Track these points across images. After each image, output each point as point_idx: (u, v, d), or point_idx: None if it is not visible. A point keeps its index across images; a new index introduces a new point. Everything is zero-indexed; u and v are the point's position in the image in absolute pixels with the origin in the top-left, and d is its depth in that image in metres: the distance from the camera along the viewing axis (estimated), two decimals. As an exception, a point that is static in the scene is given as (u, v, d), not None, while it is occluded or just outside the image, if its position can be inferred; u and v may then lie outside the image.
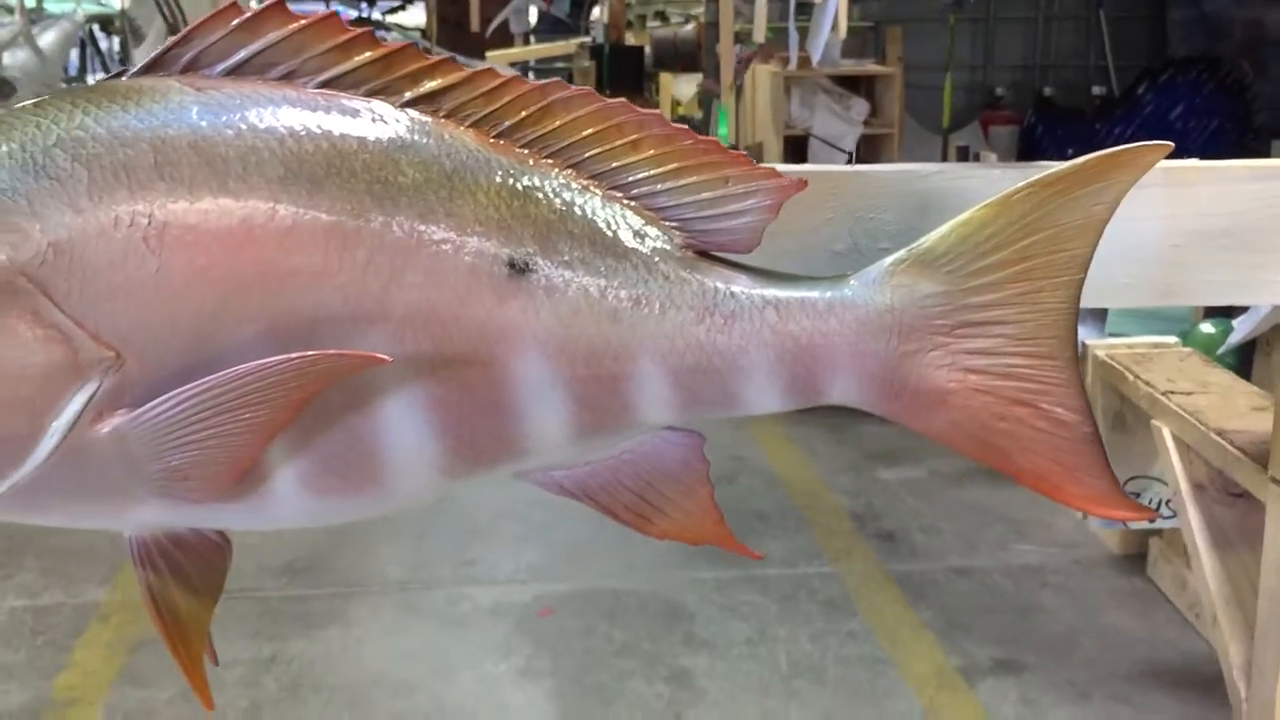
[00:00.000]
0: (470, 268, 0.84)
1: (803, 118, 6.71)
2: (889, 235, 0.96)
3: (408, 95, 0.85)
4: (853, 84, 7.12)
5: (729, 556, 3.77)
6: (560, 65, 10.60)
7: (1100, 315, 4.00)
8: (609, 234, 0.86)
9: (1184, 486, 2.31)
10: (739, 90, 6.95)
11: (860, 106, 6.89)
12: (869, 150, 6.77)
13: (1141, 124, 5.25)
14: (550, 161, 0.86)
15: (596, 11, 12.89)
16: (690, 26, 7.82)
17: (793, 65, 5.14)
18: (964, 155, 6.06)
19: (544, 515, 4.09)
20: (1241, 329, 3.35)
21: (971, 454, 0.90)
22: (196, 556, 0.92)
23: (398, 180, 0.83)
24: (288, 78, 0.84)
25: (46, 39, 9.92)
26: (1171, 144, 0.84)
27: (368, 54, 0.84)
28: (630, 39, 8.60)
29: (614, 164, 0.86)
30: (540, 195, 0.85)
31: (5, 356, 0.80)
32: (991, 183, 0.94)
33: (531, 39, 13.40)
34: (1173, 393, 2.63)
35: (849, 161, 6.14)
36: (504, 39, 12.27)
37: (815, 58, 4.29)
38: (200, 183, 0.81)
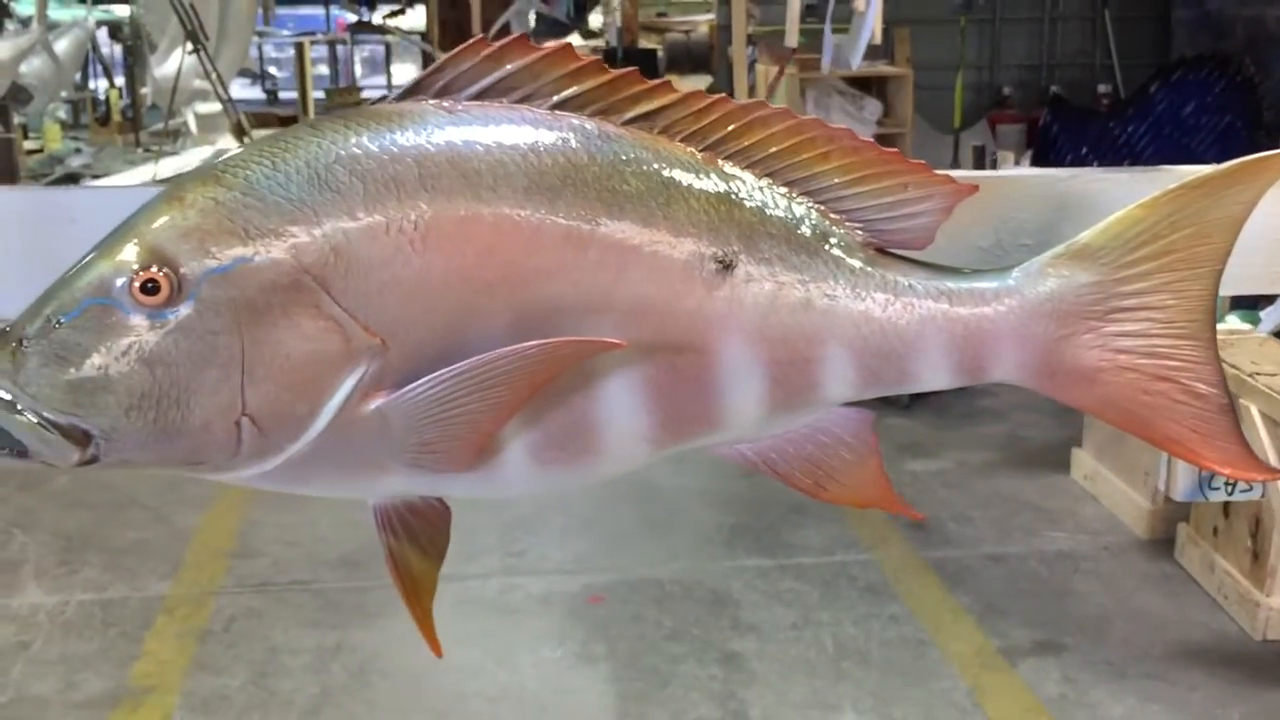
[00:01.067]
0: (684, 264, 0.96)
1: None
2: (1029, 233, 1.08)
3: (629, 114, 0.97)
4: (865, 85, 7.25)
5: (766, 544, 3.93)
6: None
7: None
8: (802, 234, 0.98)
9: (1273, 458, 2.53)
10: (751, 90, 7.07)
11: (873, 107, 7.03)
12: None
13: (1154, 122, 5.37)
14: (751, 171, 0.98)
15: (596, 15, 13.02)
16: (703, 29, 7.95)
17: (825, 70, 5.27)
18: (979, 153, 6.19)
19: (585, 507, 4.22)
20: (1270, 320, 3.48)
21: (1119, 424, 1.02)
22: (426, 522, 1.04)
23: (622, 189, 0.95)
24: (526, 100, 0.96)
25: (60, 46, 10.04)
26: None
27: (595, 79, 0.96)
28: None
29: (806, 172, 0.99)
30: (743, 200, 0.97)
31: (290, 344, 0.91)
32: (1120, 186, 1.07)
33: (532, 41, 13.47)
34: (1258, 374, 2.85)
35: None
36: (506, 42, 12.39)
37: (855, 64, 4.43)
38: (457, 193, 0.93)
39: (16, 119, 10.41)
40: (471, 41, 0.95)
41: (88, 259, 0.92)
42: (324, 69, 20.49)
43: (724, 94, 0.98)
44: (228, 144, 10.91)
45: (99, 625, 3.44)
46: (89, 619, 3.48)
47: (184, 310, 0.90)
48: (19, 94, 9.37)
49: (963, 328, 1.00)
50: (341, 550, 3.90)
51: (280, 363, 0.92)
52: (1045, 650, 3.30)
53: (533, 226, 0.94)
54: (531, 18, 13.04)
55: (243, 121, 9.39)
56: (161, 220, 0.92)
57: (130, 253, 0.91)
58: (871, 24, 3.99)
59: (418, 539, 1.03)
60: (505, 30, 12.18)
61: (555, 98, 0.96)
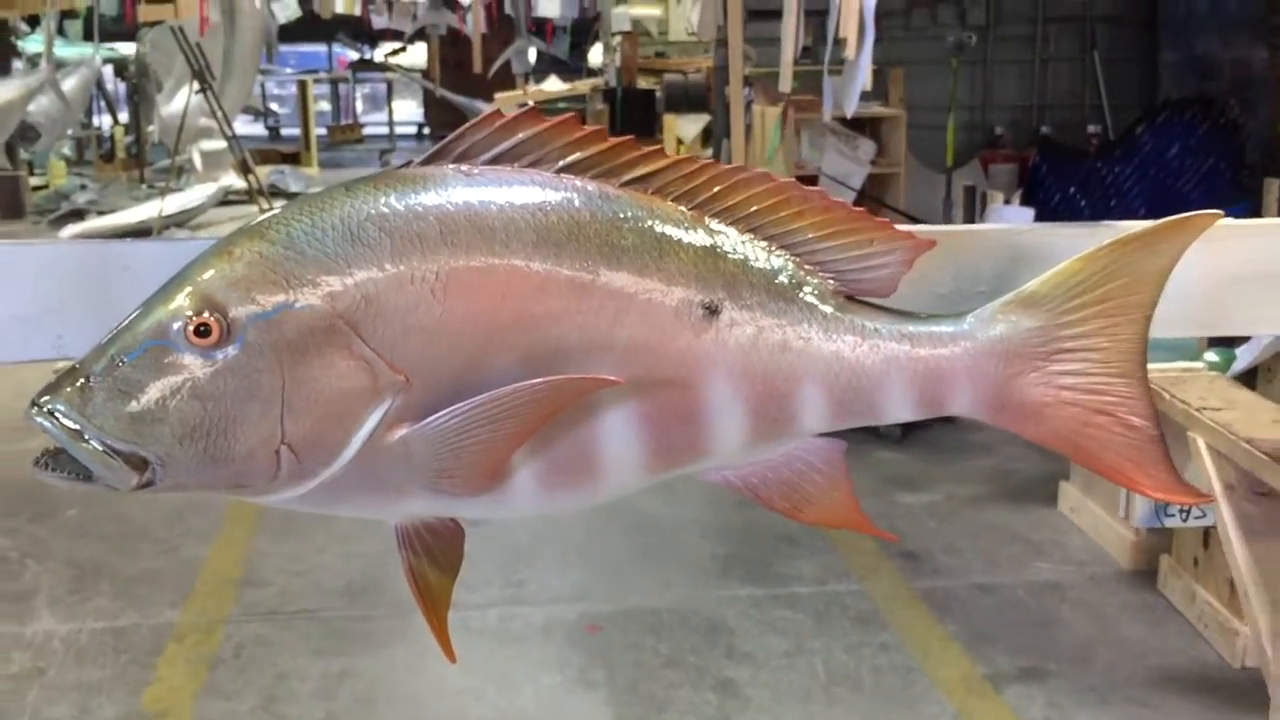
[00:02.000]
0: (675, 310, 1.07)
1: (812, 158, 6.98)
2: (985, 280, 1.19)
3: (626, 176, 1.09)
4: (859, 125, 7.40)
5: (759, 574, 4.03)
6: (563, 105, 10.85)
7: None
8: (780, 283, 1.10)
9: (1218, 488, 2.68)
10: (748, 129, 7.22)
11: (867, 147, 7.17)
12: (876, 188, 7.02)
13: (1140, 163, 5.52)
14: (735, 227, 1.10)
15: (594, 53, 13.21)
16: (701, 72, 8.11)
17: (827, 118, 5.41)
18: (970, 193, 6.33)
19: (584, 538, 4.33)
20: (1244, 357, 3.61)
21: (1064, 452, 1.14)
22: (442, 540, 1.15)
23: (620, 243, 1.07)
24: (535, 164, 1.08)
25: (68, 85, 10.20)
26: (1222, 211, 1.09)
27: (596, 146, 1.08)
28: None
29: (783, 229, 1.10)
30: (727, 253, 1.09)
31: (325, 381, 1.03)
32: (1066, 239, 1.18)
33: (531, 79, 13.69)
34: (1205, 409, 3.04)
35: (856, 199, 6.38)
36: (506, 80, 12.59)
37: (850, 110, 4.57)
38: (474, 247, 1.05)
39: (23, 155, 10.58)
40: (486, 115, 1.08)
41: (147, 305, 1.04)
42: (326, 105, 20.72)
43: (712, 159, 1.10)
44: (231, 181, 11.07)
45: (111, 652, 3.54)
46: (101, 646, 3.58)
47: (232, 351, 1.02)
48: (27, 132, 9.53)
49: (923, 366, 1.12)
50: (346, 579, 4.01)
51: (316, 397, 1.03)
52: (1030, 677, 3.40)
53: (540, 276, 1.05)
54: (532, 55, 13.23)
55: (247, 159, 9.55)
56: (212, 271, 1.04)
57: (185, 300, 1.02)
58: (865, 71, 4.13)
59: (435, 556, 1.15)
60: (506, 68, 12.37)
61: (561, 162, 1.08)
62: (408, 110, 21.69)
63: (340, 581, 3.99)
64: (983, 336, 1.12)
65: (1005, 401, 1.12)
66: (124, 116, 14.93)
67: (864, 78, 4.09)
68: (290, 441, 1.04)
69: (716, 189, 1.10)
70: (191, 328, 1.02)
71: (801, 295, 1.11)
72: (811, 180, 7.31)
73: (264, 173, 10.79)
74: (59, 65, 10.11)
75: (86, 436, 1.01)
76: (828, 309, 1.11)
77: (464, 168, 1.08)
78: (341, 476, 1.06)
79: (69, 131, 12.15)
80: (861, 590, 3.94)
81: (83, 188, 11.91)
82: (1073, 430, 1.12)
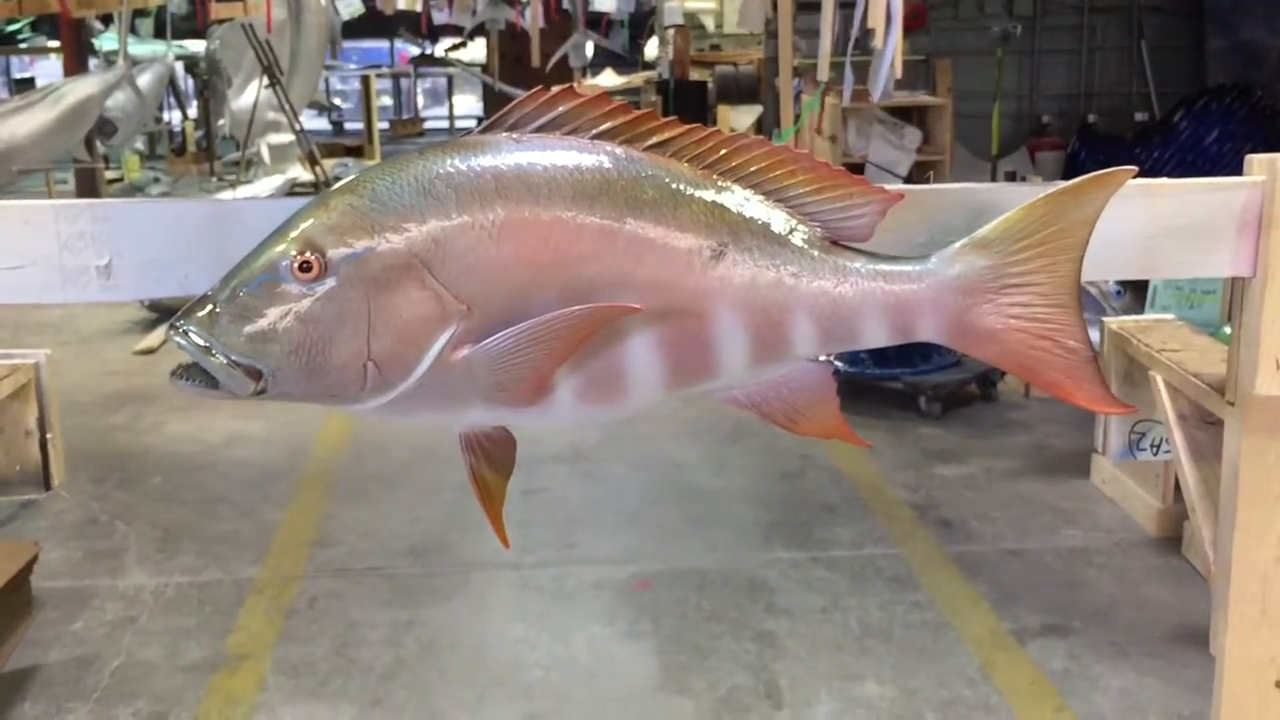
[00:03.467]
0: (688, 252, 1.31)
1: (859, 147, 7.18)
2: (955, 231, 1.41)
3: (648, 142, 1.32)
4: (906, 114, 7.58)
5: (800, 539, 4.25)
6: (618, 98, 11.01)
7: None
8: (775, 230, 1.33)
9: (1172, 418, 3.06)
10: (797, 119, 7.42)
11: (913, 135, 7.36)
12: (922, 176, 7.20)
13: (1178, 149, 5.67)
14: (739, 183, 1.34)
15: (650, 47, 13.43)
16: (752, 64, 8.32)
17: (846, 101, 5.62)
18: (1011, 179, 6.49)
19: (634, 505, 4.57)
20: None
21: (1014, 371, 1.36)
22: (498, 446, 1.40)
23: (643, 197, 1.31)
24: (573, 132, 1.32)
25: (143, 81, 10.59)
26: (1136, 168, 1.30)
27: (623, 117, 1.32)
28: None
29: (779, 185, 1.34)
30: (732, 205, 1.33)
31: (403, 309, 1.28)
32: (1019, 195, 1.40)
33: (588, 73, 13.95)
34: (1164, 350, 3.41)
35: (904, 187, 6.55)
36: (563, 74, 12.86)
37: (876, 96, 4.77)
38: (523, 199, 1.29)
39: (100, 149, 11.00)
40: (531, 92, 1.32)
41: (261, 247, 1.29)
42: (388, 100, 21.15)
43: (718, 128, 1.34)
44: (298, 173, 11.44)
45: (196, 603, 3.84)
46: (187, 598, 3.87)
47: (329, 283, 1.27)
48: (105, 127, 9.94)
49: (894, 299, 1.34)
50: (411, 541, 4.28)
51: (395, 322, 1.28)
52: (1053, 632, 3.59)
53: (577, 224, 1.29)
54: (589, 49, 13.50)
55: (314, 151, 9.89)
56: (312, 220, 1.29)
57: (291, 243, 1.28)
58: (890, 59, 4.34)
59: (491, 459, 1.39)
60: (563, 62, 12.64)
61: (594, 130, 1.33)
62: (468, 104, 22.05)
63: (405, 543, 4.26)
64: (944, 274, 1.34)
65: (964, 328, 1.34)
66: (194, 112, 15.38)
67: (888, 67, 4.28)
68: (374, 358, 1.29)
69: (723, 152, 1.34)
70: (297, 264, 1.27)
71: (793, 240, 1.34)
72: (858, 168, 7.52)
73: (329, 165, 11.15)
74: (134, 62, 10.52)
75: (214, 352, 1.27)
76: (815, 252, 1.34)
77: (514, 135, 1.32)
78: (415, 389, 1.31)
79: (144, 126, 12.59)
80: (897, 554, 4.14)
81: (156, 180, 12.35)
82: (1020, 352, 1.34)
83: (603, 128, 1.32)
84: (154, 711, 3.25)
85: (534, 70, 12.21)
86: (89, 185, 10.80)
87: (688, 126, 1.33)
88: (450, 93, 20.56)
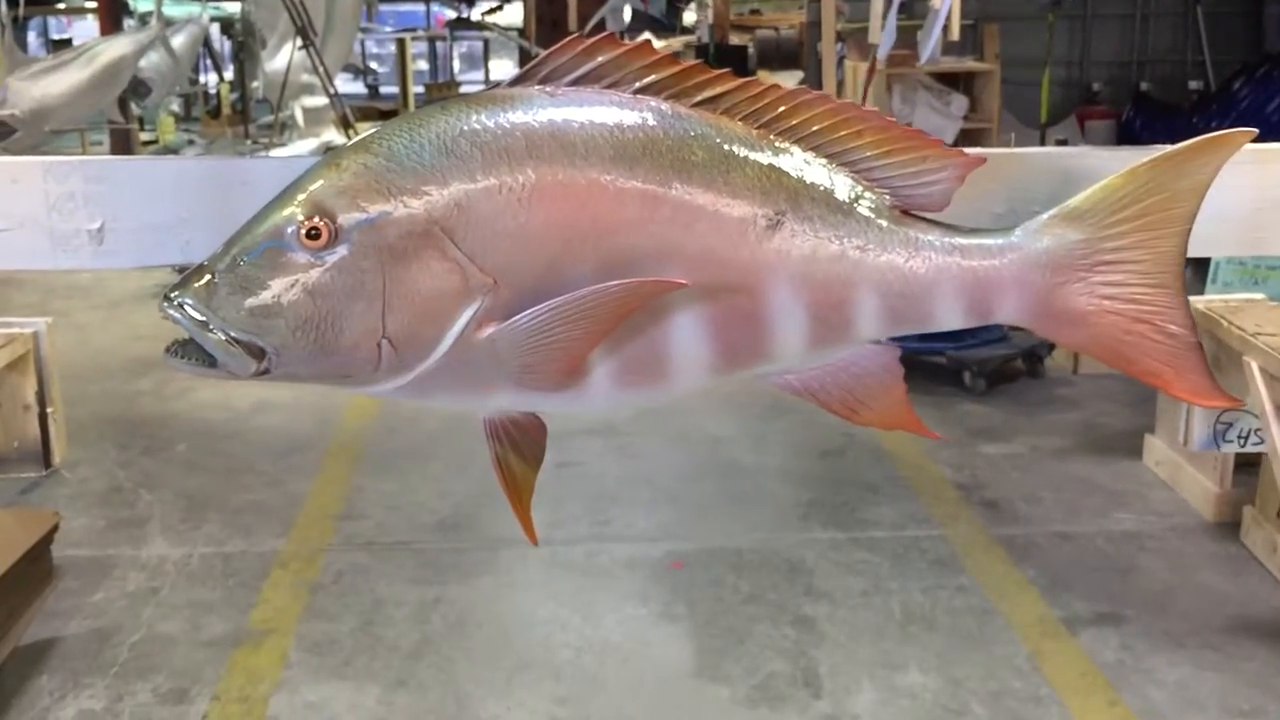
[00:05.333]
0: (740, 221, 1.17)
1: (904, 113, 6.98)
2: (1038, 201, 1.26)
3: (696, 98, 1.18)
4: (952, 80, 7.37)
5: (840, 519, 4.11)
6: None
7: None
8: (839, 197, 1.19)
9: (1268, 407, 2.82)
10: (840, 85, 7.23)
11: (959, 102, 7.15)
12: (967, 144, 6.99)
13: (1237, 118, 5.45)
14: (798, 145, 1.19)
15: (690, 11, 13.22)
16: (794, 28, 8.13)
17: (882, 59, 5.42)
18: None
19: (670, 482, 4.44)
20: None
21: (1104, 359, 1.22)
22: (526, 433, 1.27)
23: (691, 159, 1.16)
24: (613, 86, 1.18)
25: (177, 42, 10.50)
26: (1256, 130, 1.15)
27: (669, 69, 1.17)
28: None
29: (843, 147, 1.19)
30: (790, 169, 1.18)
31: (422, 281, 1.14)
32: (1113, 161, 1.25)
33: (627, 37, 13.73)
34: (1260, 334, 3.19)
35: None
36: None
37: (924, 58, 4.58)
38: (556, 160, 1.15)
39: (134, 110, 10.93)
40: (568, 39, 1.18)
41: (265, 211, 1.16)
42: (423, 64, 20.98)
43: (775, 83, 1.19)
44: (332, 137, 11.32)
45: (220, 575, 3.74)
46: (210, 570, 3.78)
47: (340, 252, 1.14)
48: (139, 88, 9.85)
49: (972, 276, 1.20)
50: (439, 515, 4.17)
51: (413, 296, 1.15)
52: (1105, 621, 3.44)
53: (617, 188, 1.15)
54: (627, 13, 13.30)
55: (348, 115, 9.76)
56: (322, 181, 1.15)
57: (298, 206, 1.14)
58: (943, 19, 4.15)
59: (519, 447, 1.26)
60: (601, 26, 12.45)
61: (637, 84, 1.18)
62: (504, 69, 21.88)
63: (433, 518, 4.15)
64: (1029, 248, 1.19)
65: (1049, 309, 1.20)
66: (230, 74, 15.30)
67: (940, 28, 4.10)
68: (390, 336, 1.15)
69: (781, 109, 1.19)
70: (304, 231, 1.14)
71: (859, 209, 1.20)
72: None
73: (364, 129, 11.00)
74: (168, 23, 10.42)
75: (212, 327, 1.14)
76: (883, 222, 1.20)
77: (548, 88, 1.18)
78: (436, 370, 1.18)
79: (178, 87, 12.51)
80: (941, 535, 4.00)
81: (190, 143, 12.27)
82: (1113, 337, 1.19)
83: (647, 81, 1.18)
84: (173, 688, 3.16)
85: (571, 35, 12.03)
86: (123, 146, 10.73)
87: (741, 80, 1.18)
88: (486, 57, 20.39)
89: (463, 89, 20.31)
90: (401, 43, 16.43)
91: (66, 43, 16.57)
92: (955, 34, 4.27)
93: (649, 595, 3.63)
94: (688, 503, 4.28)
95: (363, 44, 19.15)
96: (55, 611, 3.47)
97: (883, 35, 4.50)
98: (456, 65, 22.01)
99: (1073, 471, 4.49)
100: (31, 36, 17.95)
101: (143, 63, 9.77)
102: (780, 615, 3.51)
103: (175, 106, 14.22)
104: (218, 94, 14.39)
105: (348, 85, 18.30)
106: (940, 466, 4.57)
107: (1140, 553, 3.87)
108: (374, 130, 1.19)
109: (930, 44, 4.33)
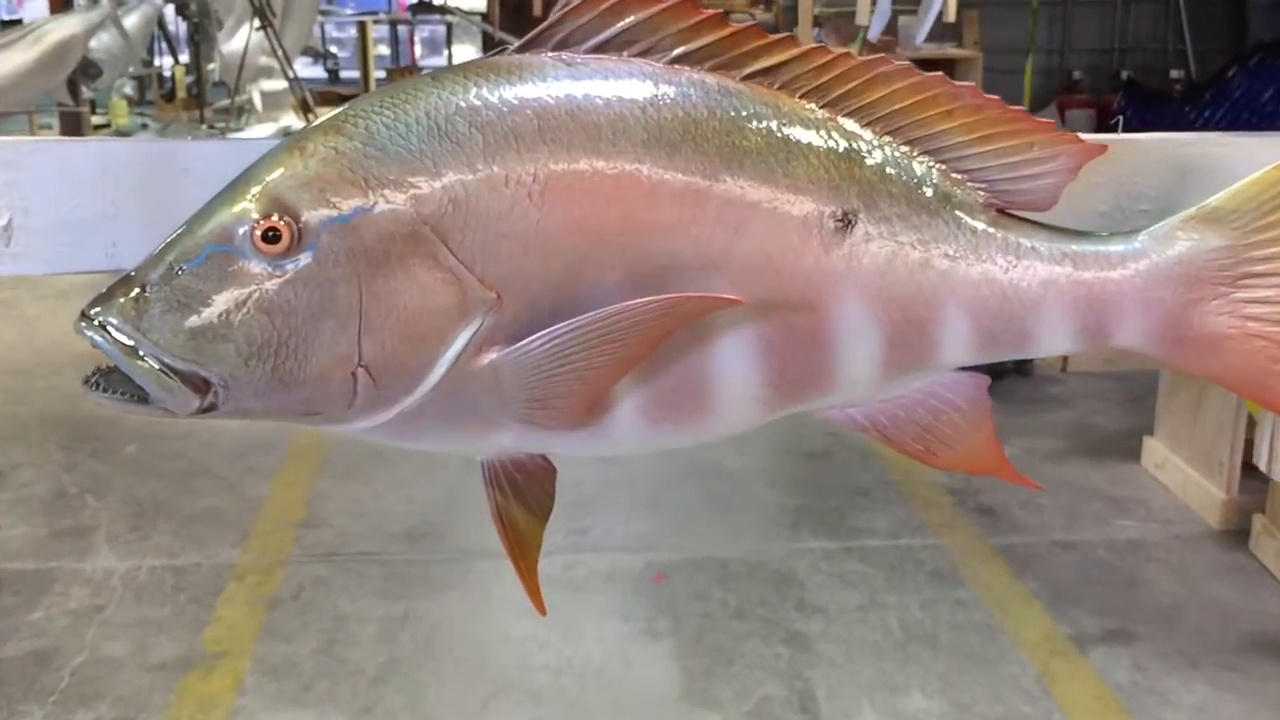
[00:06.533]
0: (802, 221, 0.94)
1: (884, 101, 6.78)
2: (1149, 198, 1.06)
3: (749, 69, 0.95)
4: (933, 67, 7.16)
5: (831, 526, 3.90)
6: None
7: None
8: (922, 193, 0.97)
9: None
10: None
11: (941, 90, 6.95)
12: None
13: (1231, 107, 5.27)
14: (872, 128, 0.97)
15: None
16: (770, 12, 7.91)
17: (873, 38, 5.20)
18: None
19: (649, 486, 4.22)
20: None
21: (1243, 393, 1.00)
22: (533, 479, 1.04)
23: (742, 145, 0.94)
24: (644, 54, 0.95)
25: (130, 22, 10.15)
26: None
27: (715, 33, 0.95)
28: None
29: (928, 131, 0.97)
30: (863, 158, 0.96)
31: (407, 295, 0.91)
32: (1246, 150, 1.04)
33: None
34: None
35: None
36: (566, 23, 12.38)
37: (919, 40, 4.37)
38: (577, 146, 0.92)
39: (85, 93, 10.56)
40: (589, -8, 0.95)
41: (210, 208, 0.93)
42: (384, 49, 20.58)
43: (846, 51, 0.97)
44: (291, 121, 11.00)
45: (170, 590, 3.49)
46: (160, 584, 3.53)
47: (304, 259, 0.91)
48: (89, 69, 9.48)
49: (1086, 291, 0.98)
50: (406, 523, 3.93)
51: (397, 314, 0.92)
52: (1116, 638, 3.26)
53: (651, 181, 0.93)
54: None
55: (308, 99, 9.46)
56: (282, 169, 0.92)
57: (252, 201, 0.91)
58: (940, 2, 3.94)
59: (524, 496, 1.03)
60: (567, 11, 12.17)
61: (674, 51, 0.95)
62: (466, 55, 21.53)
63: (401, 526, 3.91)
64: (1159, 257, 0.98)
65: (1181, 332, 0.98)
66: (184, 56, 14.90)
67: (937, 9, 3.89)
68: (368, 363, 0.92)
69: (852, 84, 0.97)
70: (259, 232, 0.90)
71: (947, 207, 0.97)
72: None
73: (324, 114, 10.70)
74: (120, 2, 10.06)
75: (142, 353, 0.90)
76: (977, 223, 0.98)
77: (565, 56, 0.95)
78: (424, 405, 0.95)
79: (130, 69, 12.12)
80: (936, 545, 3.81)
81: (144, 127, 11.90)
82: (1258, 367, 0.98)
83: (688, 47, 0.95)
84: (117, 717, 2.91)
85: (536, 20, 11.76)
86: (74, 129, 10.35)
87: (805, 48, 0.96)
88: (449, 42, 20.04)
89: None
90: (363, 26, 16.07)
91: (17, 24, 16.09)
92: (951, 15, 4.07)
93: (631, 610, 3.41)
94: (668, 509, 4.06)
95: (322, 27, 18.76)
96: (-10, 631, 3.21)
97: (874, 17, 4.30)
98: (418, 50, 21.66)
99: (1069, 475, 4.31)
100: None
101: (93, 43, 9.40)
102: (771, 632, 3.30)
103: (128, 89, 13.80)
104: (172, 76, 13.99)
105: (307, 69, 17.90)
106: (931, 470, 4.37)
107: (1146, 564, 3.69)
108: (347, 107, 0.96)
109: (925, 26, 4.13)
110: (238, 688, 3.03)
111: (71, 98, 9.48)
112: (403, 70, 19.84)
